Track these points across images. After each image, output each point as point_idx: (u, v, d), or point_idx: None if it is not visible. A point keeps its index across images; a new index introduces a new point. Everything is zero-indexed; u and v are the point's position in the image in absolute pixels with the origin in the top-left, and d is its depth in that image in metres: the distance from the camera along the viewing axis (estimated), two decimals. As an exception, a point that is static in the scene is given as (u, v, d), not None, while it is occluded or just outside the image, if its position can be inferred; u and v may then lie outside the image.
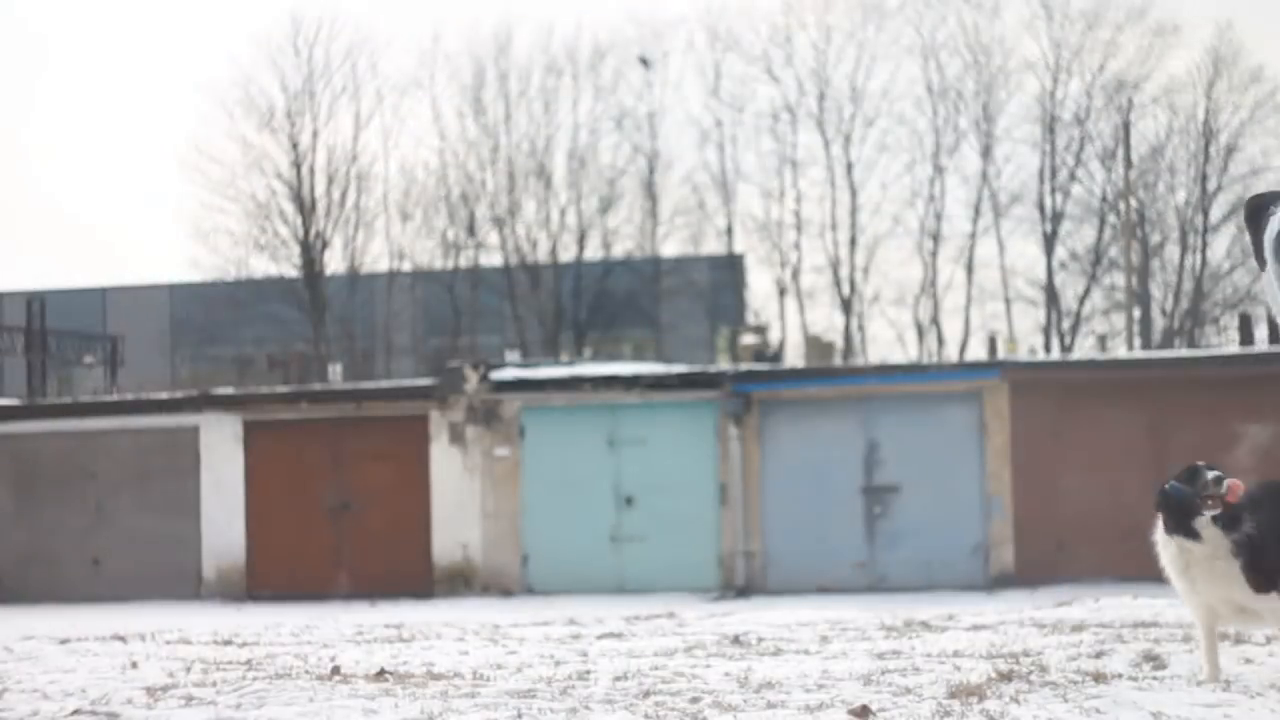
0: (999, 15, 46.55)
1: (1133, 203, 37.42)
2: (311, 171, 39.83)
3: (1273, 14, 52.64)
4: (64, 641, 8.56)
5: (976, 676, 5.93)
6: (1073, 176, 39.79)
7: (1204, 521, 6.06)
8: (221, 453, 21.84)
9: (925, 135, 39.95)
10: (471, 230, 40.53)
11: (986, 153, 39.64)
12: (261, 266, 40.79)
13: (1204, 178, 39.44)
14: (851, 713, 5.04)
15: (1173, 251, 40.22)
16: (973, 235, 39.75)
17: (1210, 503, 6.07)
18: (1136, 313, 37.33)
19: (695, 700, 5.43)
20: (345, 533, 21.44)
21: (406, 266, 41.17)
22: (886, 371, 21.55)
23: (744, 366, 23.11)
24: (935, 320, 39.92)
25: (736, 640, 8.17)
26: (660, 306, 40.92)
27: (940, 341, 39.83)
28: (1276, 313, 6.08)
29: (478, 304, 40.20)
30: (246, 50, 53.66)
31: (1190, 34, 47.71)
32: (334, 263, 40.56)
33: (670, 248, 41.52)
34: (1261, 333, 30.46)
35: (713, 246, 41.37)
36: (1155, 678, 5.98)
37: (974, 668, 6.30)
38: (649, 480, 20.77)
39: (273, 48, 41.11)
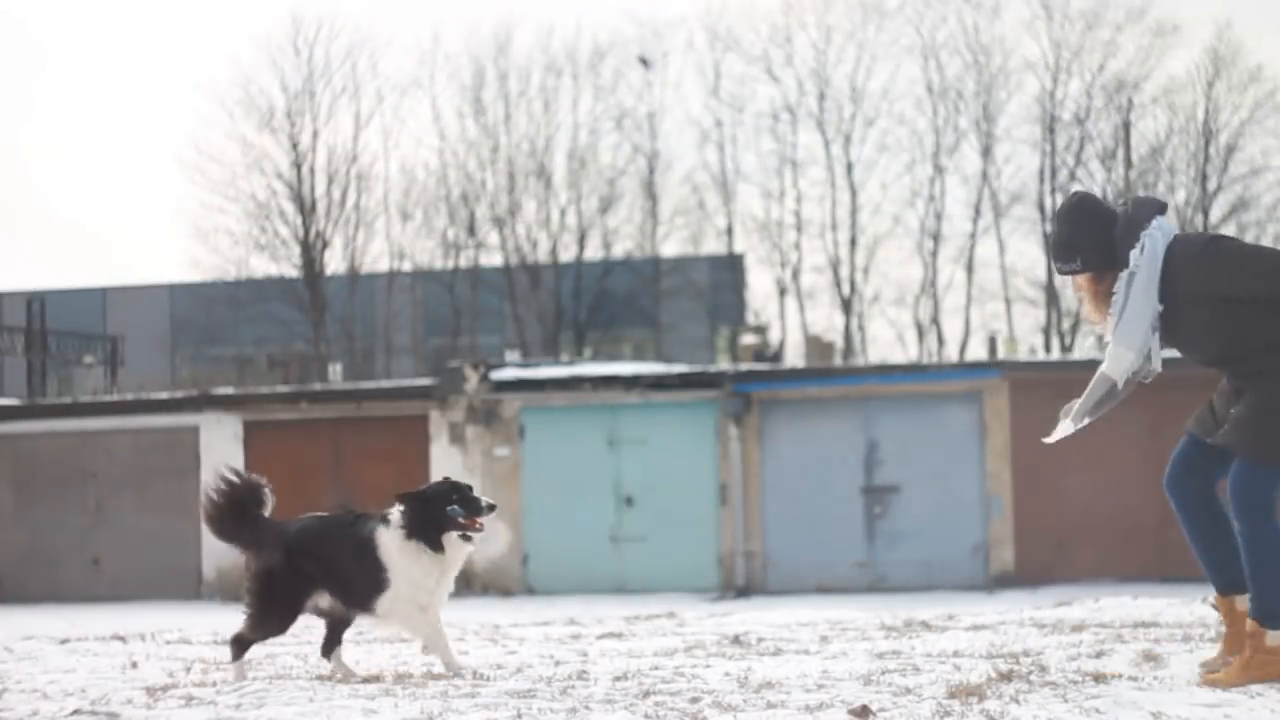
0: (999, 15, 46.74)
1: (1133, 203, 37.36)
2: (311, 171, 39.85)
3: (1273, 14, 52.67)
4: (64, 641, 8.56)
5: (976, 676, 5.93)
6: (1073, 176, 39.79)
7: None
8: (221, 453, 21.84)
9: (925, 135, 40.00)
10: (471, 230, 40.54)
11: (986, 153, 39.65)
12: (261, 266, 40.84)
13: (1204, 178, 39.45)
14: (851, 713, 5.04)
15: (1173, 251, 40.18)
16: (973, 235, 39.78)
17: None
18: (1136, 313, 37.25)
19: (695, 700, 5.44)
20: (345, 533, 21.47)
21: (406, 266, 41.18)
22: (886, 371, 21.56)
23: (744, 366, 23.12)
24: (935, 320, 39.95)
25: (736, 640, 8.17)
26: (660, 306, 40.93)
27: (940, 341, 39.85)
28: (1126, 338, 5.66)
29: (478, 304, 40.21)
30: (246, 50, 53.79)
31: (1190, 34, 47.86)
32: (334, 263, 40.60)
33: (670, 248, 41.57)
34: (1261, 333, 30.47)
35: (713, 246, 41.39)
36: (1155, 678, 5.98)
37: (974, 668, 6.30)
38: (649, 480, 20.78)
39: (273, 48, 41.24)
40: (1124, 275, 5.69)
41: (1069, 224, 5.82)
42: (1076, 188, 6.38)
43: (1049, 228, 39.26)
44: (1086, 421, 6.01)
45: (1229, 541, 5.83)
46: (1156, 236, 5.68)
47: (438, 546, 6.43)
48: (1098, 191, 39.86)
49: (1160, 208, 5.80)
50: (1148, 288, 5.63)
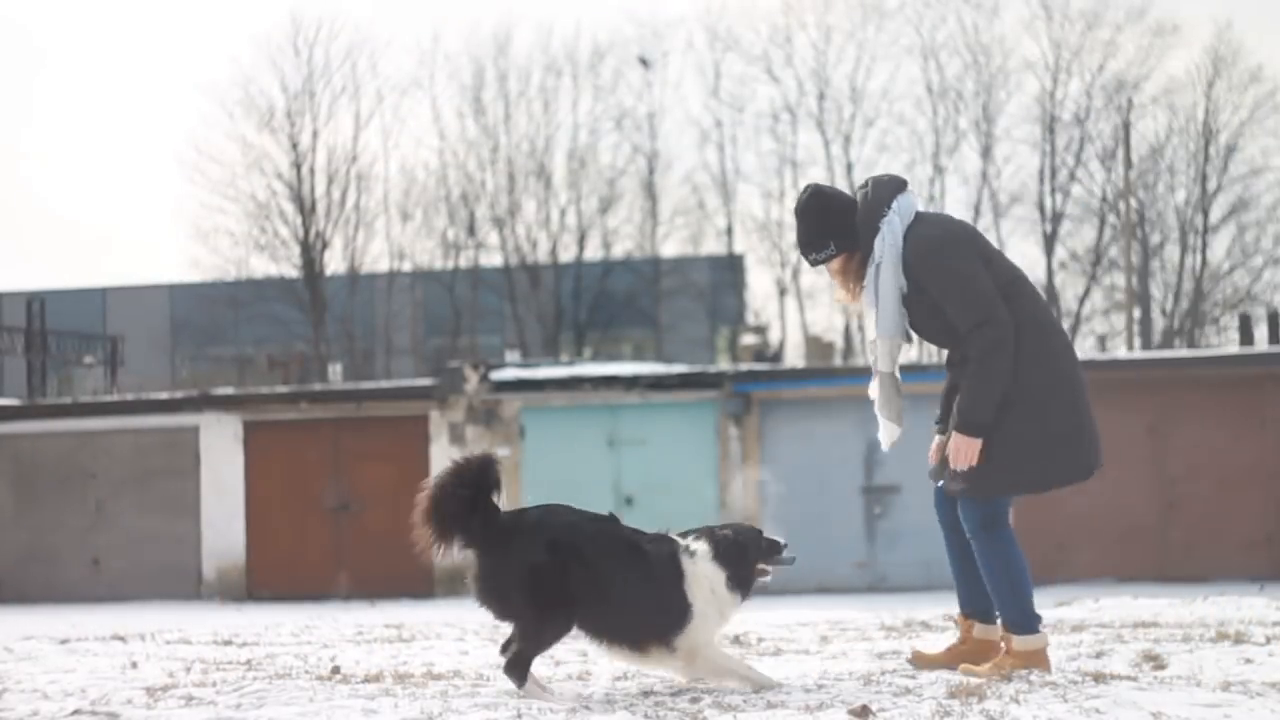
0: (999, 15, 46.82)
1: (1133, 203, 37.42)
2: (311, 171, 39.85)
3: (1273, 14, 52.69)
4: (64, 641, 8.55)
5: (976, 676, 5.93)
6: (1073, 176, 39.82)
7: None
8: (221, 453, 21.84)
9: (925, 135, 40.02)
10: (471, 230, 40.54)
11: (986, 153, 39.66)
12: (261, 266, 40.85)
13: (1204, 178, 39.46)
14: (851, 713, 5.05)
15: (1173, 251, 40.27)
16: (973, 235, 39.75)
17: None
18: (1136, 313, 37.34)
19: (695, 700, 5.44)
20: (345, 533, 21.45)
21: (406, 266, 41.19)
22: (886, 371, 21.54)
23: (744, 366, 23.12)
24: (935, 320, 39.91)
25: (736, 640, 8.18)
26: (660, 306, 40.93)
27: (940, 341, 39.81)
28: (885, 326, 5.84)
29: (478, 304, 40.20)
30: (247, 50, 53.91)
31: (1190, 34, 47.95)
32: (334, 263, 40.61)
33: (670, 248, 41.57)
34: (1261, 333, 30.46)
35: (713, 246, 41.40)
36: (1155, 678, 5.99)
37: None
38: (649, 480, 20.78)
39: (273, 48, 41.32)
40: (872, 267, 5.86)
41: (814, 215, 5.94)
42: (805, 183, 6.44)
43: (1048, 228, 39.42)
44: (901, 417, 6.25)
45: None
46: (894, 221, 5.84)
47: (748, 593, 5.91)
48: (1098, 191, 39.97)
49: (900, 186, 5.94)
50: (894, 272, 5.81)
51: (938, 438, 6.30)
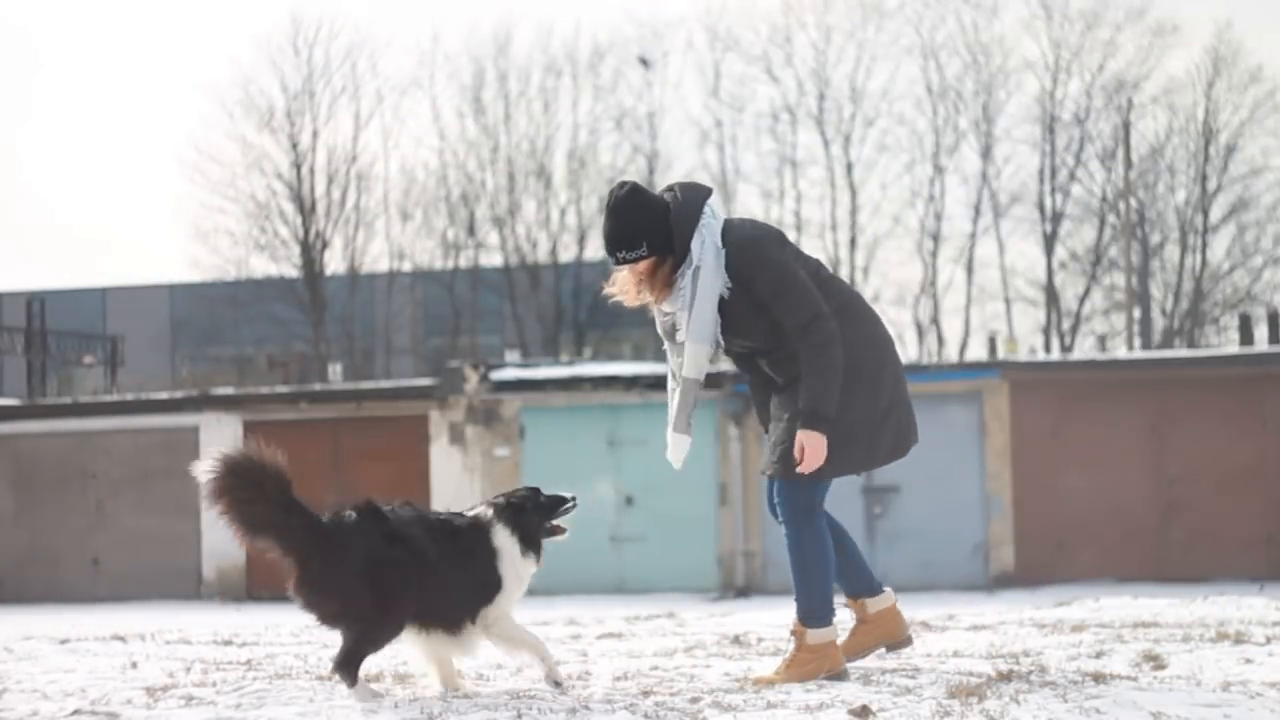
0: (999, 15, 46.86)
1: (1133, 203, 37.42)
2: (311, 171, 39.85)
3: (1273, 14, 52.71)
4: (64, 641, 8.55)
5: (976, 677, 5.93)
6: (1073, 176, 39.82)
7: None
8: (221, 453, 21.83)
9: (925, 135, 40.02)
10: (471, 230, 40.52)
11: (986, 153, 39.66)
12: (261, 266, 40.84)
13: (1204, 178, 39.47)
14: (851, 712, 5.05)
15: (1173, 251, 40.27)
16: (973, 235, 39.79)
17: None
18: (1136, 313, 37.34)
19: (695, 700, 5.44)
20: (345, 533, 21.46)
21: (406, 266, 41.17)
22: (886, 371, 21.53)
23: (744, 366, 23.12)
24: (935, 320, 39.95)
25: (736, 640, 8.17)
26: (660, 307, 40.88)
27: (940, 341, 39.85)
28: (699, 332, 5.70)
29: (478, 304, 40.19)
30: (247, 50, 53.99)
31: (1190, 34, 47.96)
32: (334, 263, 40.60)
33: (670, 248, 41.49)
34: (1261, 333, 30.46)
35: (713, 246, 41.33)
36: (1155, 678, 5.99)
37: (974, 668, 6.29)
38: (649, 480, 20.77)
39: (273, 48, 41.29)
40: (689, 271, 5.72)
41: (630, 211, 5.76)
42: (623, 179, 6.24)
43: (1048, 228, 39.41)
44: (691, 427, 6.04)
45: (846, 551, 6.25)
46: (712, 225, 5.74)
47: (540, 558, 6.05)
48: (1098, 191, 39.98)
49: (708, 192, 5.84)
50: (714, 276, 5.69)
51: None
